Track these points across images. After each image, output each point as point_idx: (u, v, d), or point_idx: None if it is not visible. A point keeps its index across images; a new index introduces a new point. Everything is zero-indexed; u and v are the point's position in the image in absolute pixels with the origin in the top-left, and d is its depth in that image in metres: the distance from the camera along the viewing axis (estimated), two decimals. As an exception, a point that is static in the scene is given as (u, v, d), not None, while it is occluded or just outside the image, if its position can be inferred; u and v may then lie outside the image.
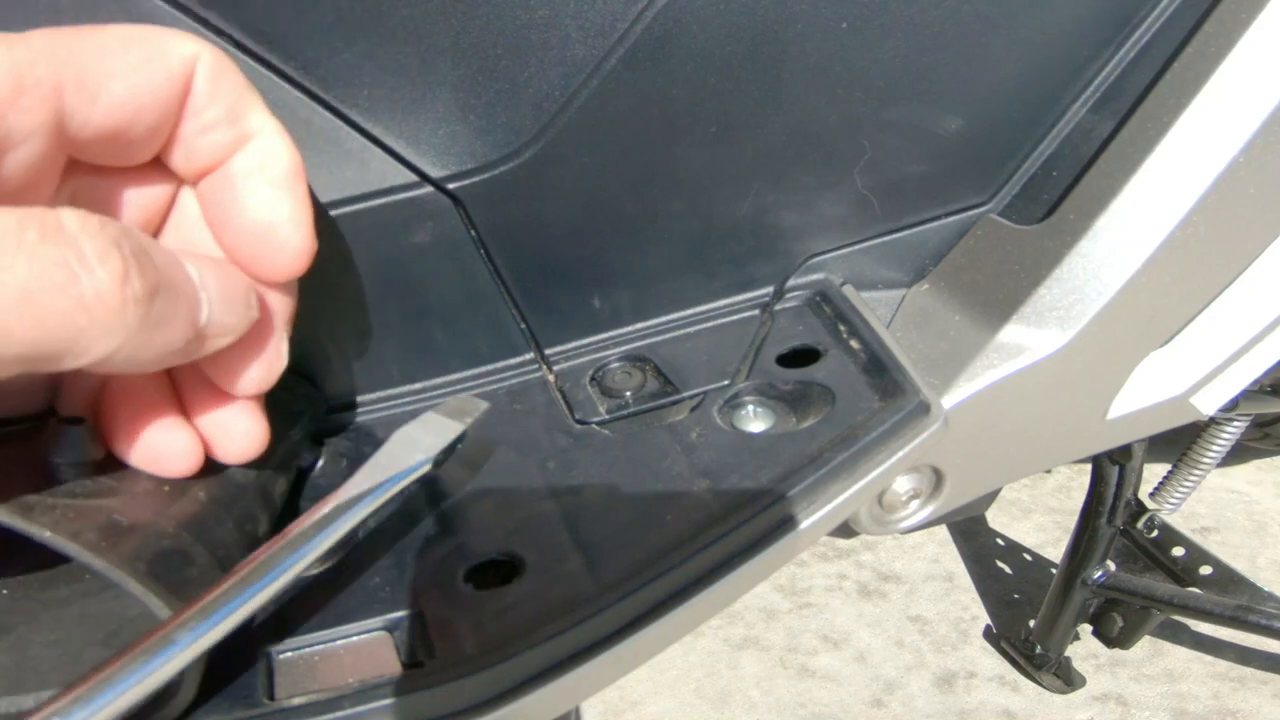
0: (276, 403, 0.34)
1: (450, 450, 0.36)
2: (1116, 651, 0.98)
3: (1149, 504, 0.92)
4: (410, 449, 0.35)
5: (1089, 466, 0.92)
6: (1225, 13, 0.45)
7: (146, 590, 0.26)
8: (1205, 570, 0.89)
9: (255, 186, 0.30)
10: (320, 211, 0.38)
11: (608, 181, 0.42)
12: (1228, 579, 0.88)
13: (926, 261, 0.50)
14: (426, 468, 0.35)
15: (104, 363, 0.24)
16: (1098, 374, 0.49)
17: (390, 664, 0.33)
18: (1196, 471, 0.91)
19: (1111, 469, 0.89)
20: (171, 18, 0.34)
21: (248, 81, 0.30)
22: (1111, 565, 0.92)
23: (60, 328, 0.22)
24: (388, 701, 0.30)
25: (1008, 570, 1.16)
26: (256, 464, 0.33)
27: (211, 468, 0.32)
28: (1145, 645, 1.02)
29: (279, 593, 0.29)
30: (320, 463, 0.41)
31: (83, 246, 0.22)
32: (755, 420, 0.43)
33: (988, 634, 1.06)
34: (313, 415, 0.40)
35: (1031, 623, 1.00)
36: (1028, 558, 1.18)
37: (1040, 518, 1.24)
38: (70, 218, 0.23)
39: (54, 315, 0.22)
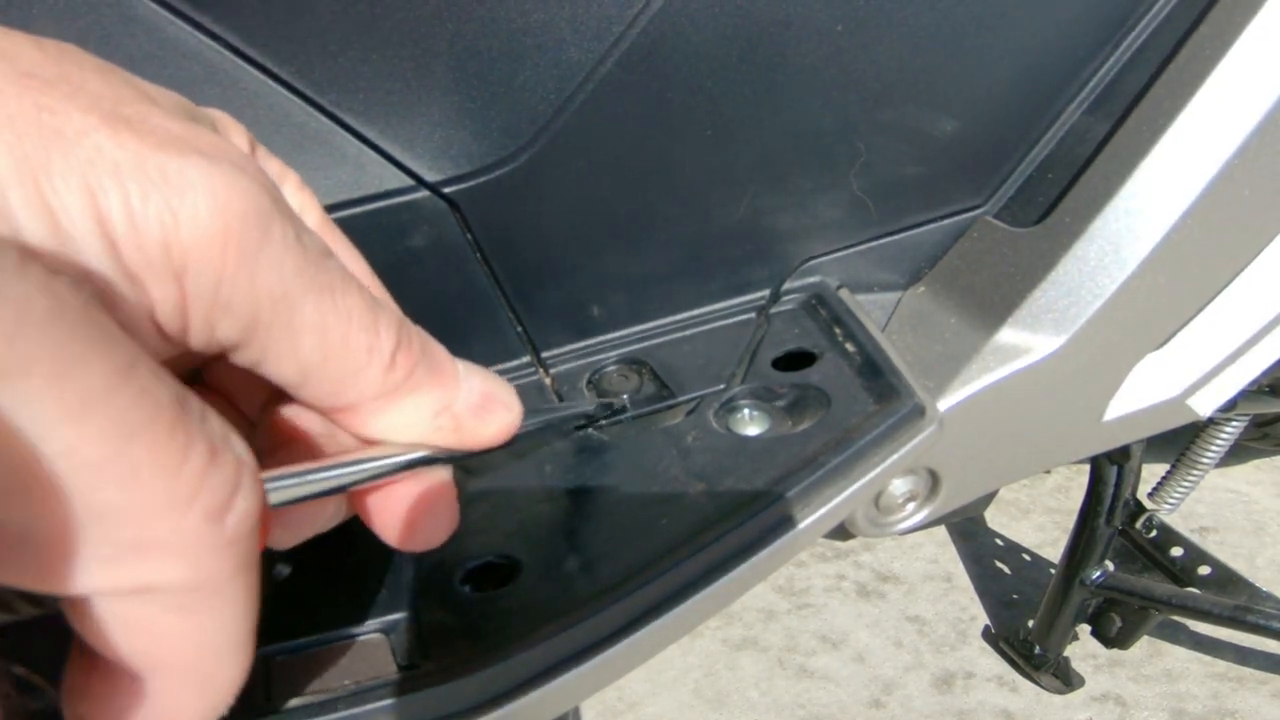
0: None
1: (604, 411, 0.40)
2: (1115, 652, 0.98)
3: (1148, 504, 0.92)
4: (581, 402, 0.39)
5: (1087, 466, 0.92)
6: (1221, 15, 0.45)
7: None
8: (1204, 570, 0.89)
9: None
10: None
11: (604, 185, 0.42)
12: (1226, 579, 0.88)
13: (922, 264, 0.50)
14: (589, 408, 0.39)
15: (336, 402, 0.25)
16: (1094, 376, 0.49)
17: (386, 666, 0.33)
18: (1195, 471, 0.91)
19: (1110, 469, 0.89)
20: (166, 22, 0.34)
21: None
22: (1110, 565, 0.92)
23: (333, 355, 0.23)
24: (384, 703, 0.30)
25: (1006, 570, 1.16)
26: None
27: None
28: (1144, 645, 1.02)
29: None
30: None
31: (388, 316, 0.24)
32: (751, 424, 0.43)
33: (986, 634, 1.06)
34: None
35: (1030, 623, 1.00)
36: (1026, 558, 1.18)
37: (1039, 518, 1.24)
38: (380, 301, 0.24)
39: (337, 344, 0.23)
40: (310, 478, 0.25)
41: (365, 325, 0.23)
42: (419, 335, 0.26)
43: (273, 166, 0.28)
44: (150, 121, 0.21)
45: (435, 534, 0.28)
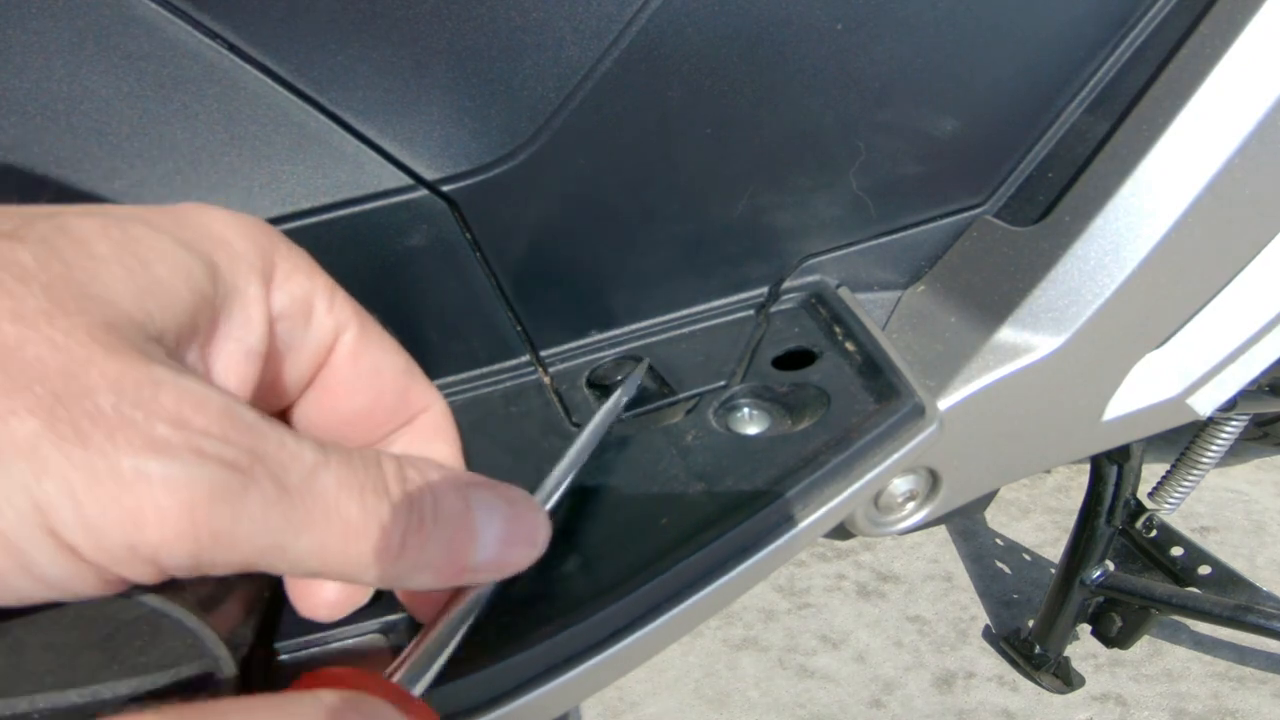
0: None
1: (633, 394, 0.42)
2: (1115, 651, 0.98)
3: (1148, 504, 0.92)
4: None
5: (1088, 466, 0.92)
6: (1221, 14, 0.45)
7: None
8: (1204, 570, 0.89)
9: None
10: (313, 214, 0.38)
11: (603, 183, 0.42)
12: (1227, 579, 0.88)
13: (922, 263, 0.50)
14: (626, 399, 0.40)
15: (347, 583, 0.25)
16: (1093, 375, 0.49)
17: (386, 666, 0.33)
18: (1195, 471, 0.91)
19: (1110, 469, 0.89)
20: (166, 21, 0.34)
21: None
22: (1110, 565, 0.92)
23: (335, 566, 0.23)
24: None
25: (1006, 570, 1.16)
26: None
27: None
28: (1144, 645, 1.02)
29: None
30: None
31: (392, 508, 0.23)
32: (751, 423, 0.43)
33: (987, 634, 1.06)
34: None
35: (1030, 623, 1.00)
36: (1026, 558, 1.18)
37: (1039, 517, 1.24)
38: (389, 471, 0.24)
39: (338, 558, 0.22)
40: (436, 652, 0.27)
41: (365, 530, 0.23)
42: (433, 503, 0.25)
43: (298, 284, 0.26)
44: (100, 401, 0.19)
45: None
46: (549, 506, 0.34)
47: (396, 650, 0.33)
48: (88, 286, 0.20)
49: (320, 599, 0.28)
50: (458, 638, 0.27)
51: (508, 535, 0.27)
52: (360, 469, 0.23)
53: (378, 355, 0.29)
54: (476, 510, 0.26)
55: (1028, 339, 0.46)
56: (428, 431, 0.31)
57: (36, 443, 0.18)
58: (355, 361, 0.28)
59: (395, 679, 0.26)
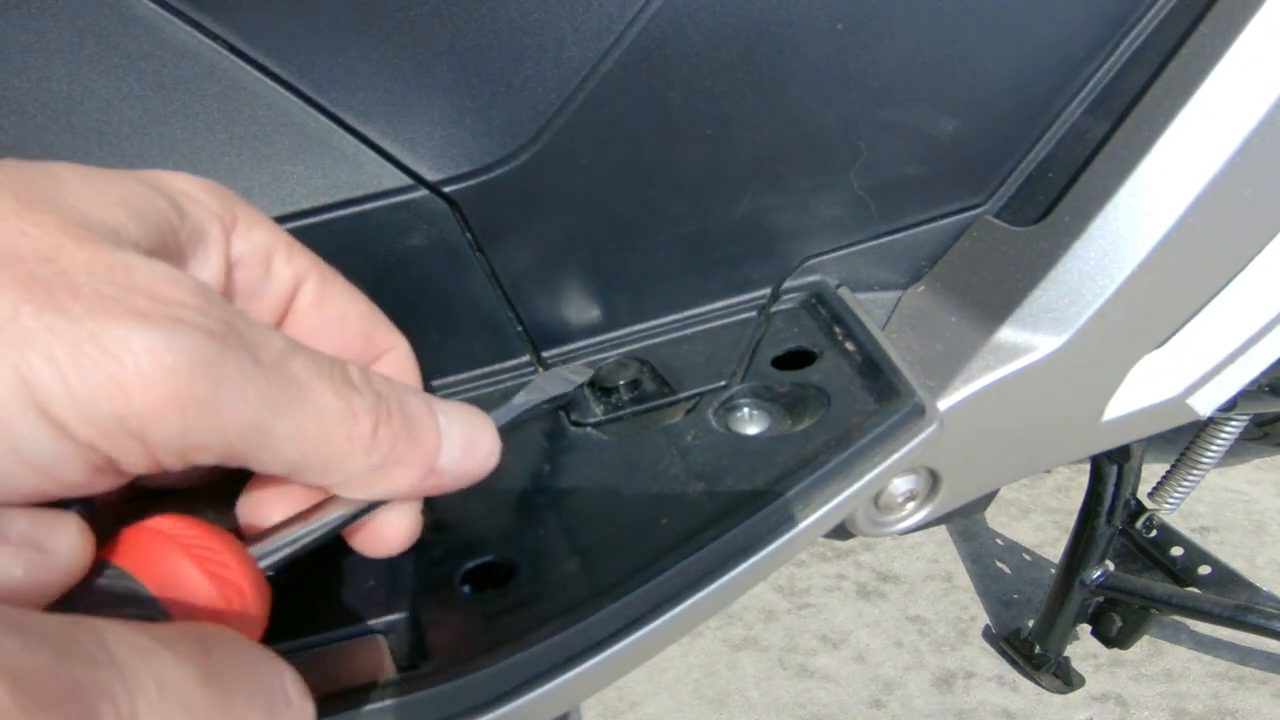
0: None
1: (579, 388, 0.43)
2: (1115, 651, 0.98)
3: (1148, 504, 0.92)
4: (552, 383, 0.41)
5: (1088, 466, 0.92)
6: (1221, 14, 0.45)
7: None
8: (1204, 570, 0.89)
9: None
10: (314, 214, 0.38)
11: (604, 184, 0.42)
12: (1227, 579, 0.88)
13: (922, 263, 0.50)
14: (571, 388, 0.41)
15: (323, 484, 0.25)
16: (1093, 375, 0.49)
17: (385, 666, 0.33)
18: (1195, 471, 0.91)
19: (1110, 469, 0.89)
20: (166, 21, 0.34)
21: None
22: (1110, 565, 0.92)
23: (314, 455, 0.24)
24: (383, 704, 0.30)
25: (1006, 570, 1.16)
26: None
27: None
28: (1144, 645, 1.02)
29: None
30: None
31: (361, 397, 0.24)
32: (751, 423, 0.43)
33: (987, 634, 1.06)
34: None
35: (1030, 623, 1.00)
36: (1026, 558, 1.18)
37: (1039, 517, 1.24)
38: (354, 371, 0.25)
39: (316, 444, 0.23)
40: (299, 536, 0.28)
41: (341, 416, 0.24)
42: (398, 401, 0.26)
43: (258, 236, 0.28)
44: (77, 279, 0.20)
45: (396, 545, 0.30)
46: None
47: (396, 651, 0.33)
48: (57, 194, 0.22)
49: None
50: (321, 534, 0.28)
51: (468, 442, 0.28)
52: (326, 363, 0.24)
53: (342, 302, 0.30)
54: (439, 415, 0.27)
55: (1028, 339, 0.46)
56: (392, 371, 0.32)
57: (16, 314, 0.19)
58: (319, 309, 0.29)
59: (251, 550, 0.27)
